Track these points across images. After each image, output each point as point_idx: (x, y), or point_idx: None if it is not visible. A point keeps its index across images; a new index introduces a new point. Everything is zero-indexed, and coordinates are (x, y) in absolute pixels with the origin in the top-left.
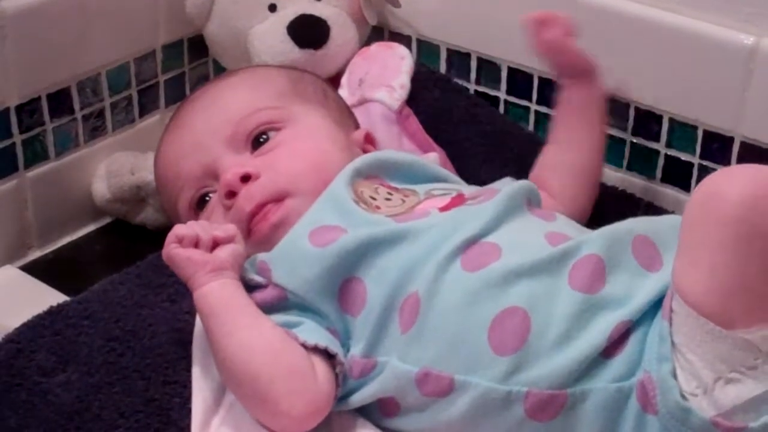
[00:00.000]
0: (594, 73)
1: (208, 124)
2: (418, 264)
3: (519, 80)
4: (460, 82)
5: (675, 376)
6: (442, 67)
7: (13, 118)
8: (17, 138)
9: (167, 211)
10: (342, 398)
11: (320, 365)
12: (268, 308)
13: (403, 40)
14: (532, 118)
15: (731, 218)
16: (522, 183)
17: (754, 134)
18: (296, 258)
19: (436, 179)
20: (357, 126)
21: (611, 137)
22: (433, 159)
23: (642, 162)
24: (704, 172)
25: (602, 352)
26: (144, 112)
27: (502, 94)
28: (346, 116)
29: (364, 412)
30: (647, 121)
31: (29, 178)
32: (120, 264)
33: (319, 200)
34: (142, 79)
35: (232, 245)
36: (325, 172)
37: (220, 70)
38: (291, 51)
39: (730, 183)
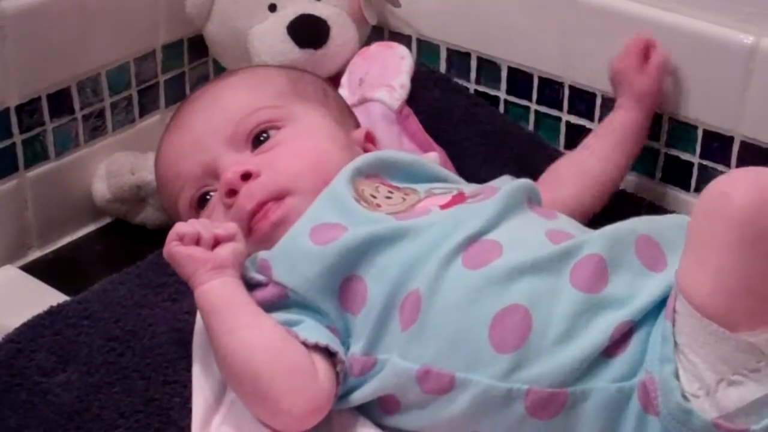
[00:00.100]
0: (657, 103)
1: (208, 124)
2: (419, 261)
3: (519, 80)
4: (460, 81)
5: (677, 377)
6: (442, 67)
7: (13, 118)
8: (17, 138)
9: (168, 211)
10: (342, 396)
11: (321, 363)
12: (268, 306)
13: (403, 39)
14: (532, 117)
15: (737, 221)
16: (522, 181)
17: (754, 134)
18: (297, 256)
19: (437, 179)
20: (357, 125)
21: None
22: (434, 158)
23: (642, 161)
24: (704, 171)
25: (603, 352)
26: (144, 112)
27: (502, 94)
28: (346, 115)
29: (365, 409)
30: None
31: (29, 178)
32: (120, 264)
33: (320, 198)
34: (142, 79)
35: (233, 243)
36: (326, 171)
37: (220, 70)
38: (291, 51)
39: (737, 186)
